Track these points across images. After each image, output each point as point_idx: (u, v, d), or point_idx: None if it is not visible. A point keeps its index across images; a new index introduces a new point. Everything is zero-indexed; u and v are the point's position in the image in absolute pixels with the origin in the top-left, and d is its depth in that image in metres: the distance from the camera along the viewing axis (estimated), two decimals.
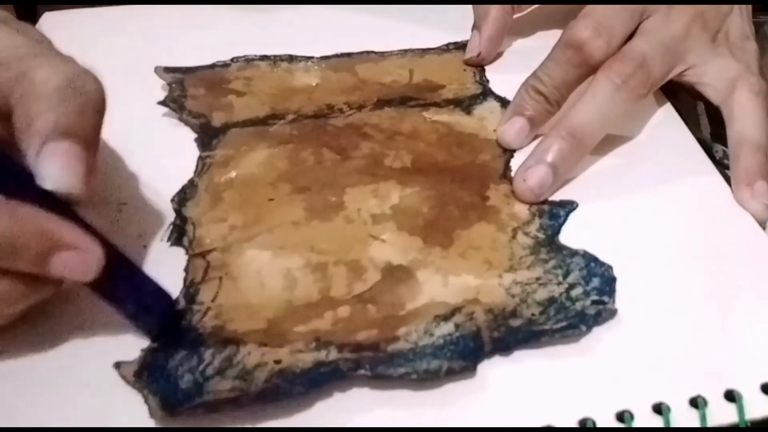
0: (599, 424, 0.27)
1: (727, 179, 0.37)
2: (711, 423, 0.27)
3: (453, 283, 0.31)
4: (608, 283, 0.31)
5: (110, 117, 0.39)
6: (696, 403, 0.27)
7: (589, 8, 0.38)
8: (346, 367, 0.28)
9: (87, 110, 0.29)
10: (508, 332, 0.29)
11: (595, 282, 0.31)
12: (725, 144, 0.38)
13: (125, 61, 0.45)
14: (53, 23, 0.49)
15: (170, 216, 0.35)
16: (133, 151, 0.38)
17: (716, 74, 0.39)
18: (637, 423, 0.27)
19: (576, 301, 0.30)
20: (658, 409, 0.27)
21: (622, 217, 0.35)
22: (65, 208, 0.28)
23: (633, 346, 0.29)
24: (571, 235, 0.34)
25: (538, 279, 0.31)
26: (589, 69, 0.38)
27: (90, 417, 0.27)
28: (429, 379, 0.28)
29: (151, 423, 0.27)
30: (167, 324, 0.30)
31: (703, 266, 0.33)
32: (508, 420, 0.27)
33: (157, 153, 0.39)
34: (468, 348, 0.28)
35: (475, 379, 0.28)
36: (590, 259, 0.32)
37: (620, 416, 0.27)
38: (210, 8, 0.51)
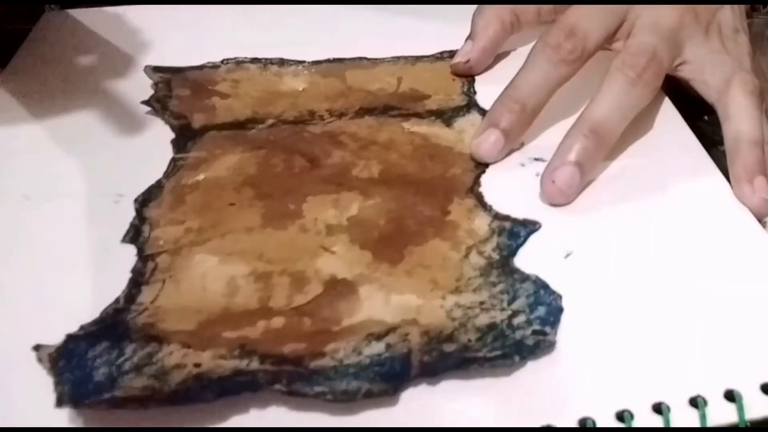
0: (599, 424, 0.26)
1: None
2: (711, 423, 0.26)
3: (395, 301, 0.30)
4: (553, 313, 0.29)
5: (111, 115, 0.41)
6: (696, 403, 0.27)
7: (565, 14, 0.38)
8: (263, 380, 0.27)
9: None
10: (438, 357, 0.27)
11: (540, 311, 0.29)
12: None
13: (125, 61, 0.45)
14: (53, 23, 0.49)
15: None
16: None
17: (711, 71, 0.39)
18: (636, 423, 0.26)
19: (516, 330, 0.28)
20: (658, 408, 0.26)
21: (620, 216, 0.34)
22: None
23: (633, 345, 0.29)
24: (571, 232, 0.33)
25: (482, 303, 0.29)
26: (568, 68, 0.37)
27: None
28: (345, 401, 0.26)
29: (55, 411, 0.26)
30: None
31: (703, 265, 0.32)
32: None
33: (142, 152, 0.39)
34: (393, 371, 0.27)
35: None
36: (540, 286, 0.30)
37: (620, 416, 0.26)
38: (212, 8, 0.51)
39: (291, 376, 0.27)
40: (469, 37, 0.44)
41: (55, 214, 0.35)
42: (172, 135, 0.40)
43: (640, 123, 0.39)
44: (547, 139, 0.38)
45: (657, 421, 0.26)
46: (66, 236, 0.34)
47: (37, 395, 0.27)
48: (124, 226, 0.34)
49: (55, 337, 0.28)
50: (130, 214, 0.35)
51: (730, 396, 0.27)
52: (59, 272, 0.32)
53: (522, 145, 0.38)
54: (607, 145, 0.36)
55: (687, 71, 0.39)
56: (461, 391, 0.27)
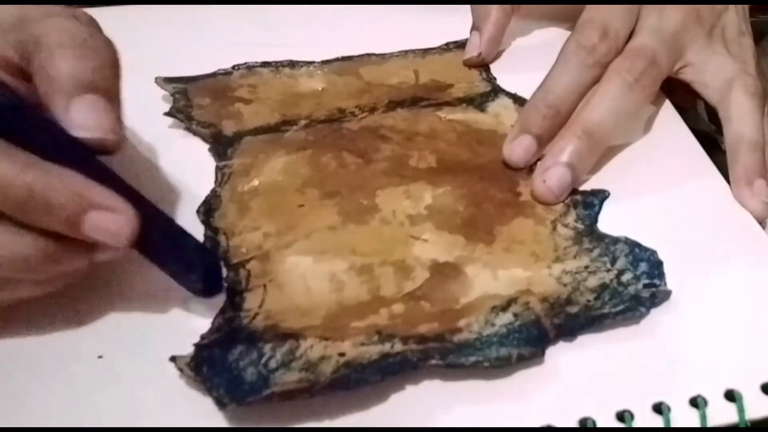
0: (599, 424, 0.27)
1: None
2: (711, 423, 0.27)
3: (503, 276, 0.32)
4: (656, 267, 0.32)
5: None
6: (696, 403, 0.27)
7: (589, 12, 0.39)
8: (415, 357, 0.28)
9: (104, 67, 0.31)
10: (568, 318, 0.30)
11: (643, 266, 0.32)
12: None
13: (126, 61, 0.44)
14: None
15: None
16: (139, 148, 0.39)
17: (713, 74, 0.39)
18: (637, 423, 0.27)
19: (628, 286, 0.31)
20: (658, 408, 0.27)
21: (620, 216, 0.35)
22: (101, 170, 0.29)
23: (632, 346, 0.30)
24: None
25: (586, 267, 0.32)
26: (600, 70, 0.38)
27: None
28: (501, 366, 0.28)
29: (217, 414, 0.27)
30: (212, 280, 0.30)
31: (703, 266, 0.33)
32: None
33: (165, 152, 0.39)
34: (532, 335, 0.29)
35: (546, 367, 0.29)
36: (633, 245, 0.33)
37: (620, 416, 0.27)
38: (210, 8, 0.51)
39: (441, 351, 0.29)
40: (473, 27, 0.46)
41: None
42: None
43: (640, 124, 0.40)
44: None
45: (657, 421, 0.27)
46: None
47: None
48: None
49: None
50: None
51: (731, 396, 0.27)
52: None
53: None
54: (601, 147, 0.37)
55: (689, 74, 0.40)
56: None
